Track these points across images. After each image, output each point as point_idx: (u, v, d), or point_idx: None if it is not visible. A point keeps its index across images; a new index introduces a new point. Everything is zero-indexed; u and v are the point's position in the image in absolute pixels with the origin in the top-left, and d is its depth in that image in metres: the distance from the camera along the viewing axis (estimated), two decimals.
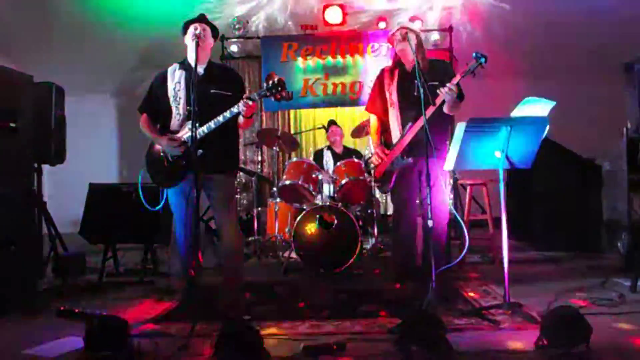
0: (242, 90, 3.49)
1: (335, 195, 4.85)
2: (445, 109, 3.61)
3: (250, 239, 5.87)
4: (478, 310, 3.11)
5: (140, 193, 3.61)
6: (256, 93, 3.33)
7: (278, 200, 5.29)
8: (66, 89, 4.78)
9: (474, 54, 3.33)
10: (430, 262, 3.14)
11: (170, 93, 3.40)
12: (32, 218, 4.04)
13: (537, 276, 4.27)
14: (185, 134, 3.31)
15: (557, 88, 6.92)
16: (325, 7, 7.54)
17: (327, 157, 5.81)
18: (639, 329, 2.79)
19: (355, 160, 4.98)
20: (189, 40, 3.35)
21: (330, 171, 5.19)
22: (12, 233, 3.58)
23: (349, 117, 8.06)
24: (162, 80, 3.46)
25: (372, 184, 3.94)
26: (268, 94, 3.33)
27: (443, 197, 3.70)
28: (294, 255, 4.61)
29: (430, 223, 3.21)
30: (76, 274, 4.40)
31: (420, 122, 3.36)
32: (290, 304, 3.56)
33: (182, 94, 3.37)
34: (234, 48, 7.90)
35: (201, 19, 3.46)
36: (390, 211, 5.77)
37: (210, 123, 3.25)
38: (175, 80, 3.41)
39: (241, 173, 7.13)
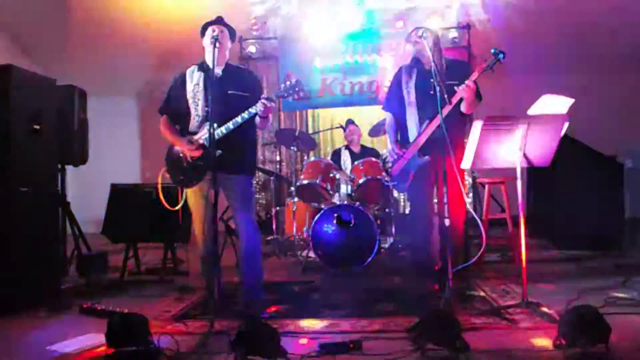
0: (260, 91, 3.53)
1: (353, 194, 4.86)
2: (462, 108, 3.59)
3: (269, 238, 5.93)
4: (496, 309, 3.10)
5: (160, 193, 3.67)
6: (274, 93, 3.37)
7: (296, 199, 5.32)
8: (88, 92, 4.88)
9: (492, 50, 3.33)
10: (447, 261, 3.14)
11: (189, 94, 3.45)
12: (56, 218, 4.13)
13: (557, 275, 4.22)
14: (203, 134, 3.36)
15: (577, 85, 6.84)
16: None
17: (345, 157, 5.82)
18: None
19: (373, 159, 4.98)
20: (207, 43, 3.40)
21: (348, 170, 5.20)
22: (37, 232, 3.68)
23: (367, 116, 8.03)
24: (181, 81, 3.52)
25: (389, 183, 3.93)
26: (286, 94, 3.38)
27: (460, 196, 3.68)
28: (312, 254, 4.63)
29: (447, 222, 3.21)
30: (99, 273, 4.49)
31: (437, 120, 3.36)
32: (309, 302, 3.59)
33: (200, 95, 3.42)
34: (252, 49, 7.96)
35: (219, 21, 3.51)
36: (408, 210, 5.75)
37: (228, 124, 3.30)
38: (194, 81, 3.46)
39: (260, 173, 7.19)
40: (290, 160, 6.83)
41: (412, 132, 3.75)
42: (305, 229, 5.18)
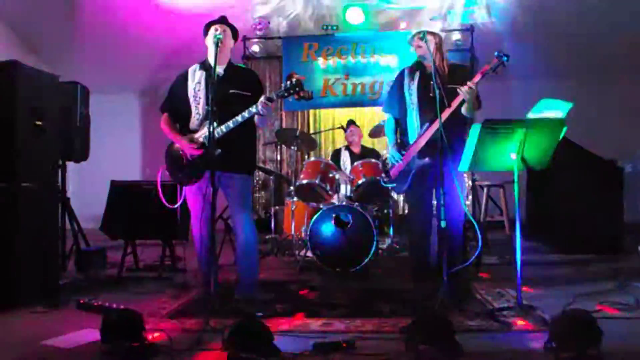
0: (261, 91, 3.54)
1: (352, 195, 4.87)
2: (463, 111, 3.60)
3: (267, 237, 5.95)
4: (490, 312, 3.10)
5: (159, 190, 3.69)
6: (274, 93, 3.39)
7: (295, 199, 5.33)
8: (91, 89, 4.91)
9: (496, 53, 3.36)
10: (444, 262, 3.15)
11: (191, 93, 3.47)
12: (56, 213, 4.15)
13: (555, 279, 4.22)
14: (204, 133, 3.37)
15: (578, 89, 6.86)
16: (347, 7, 7.56)
17: (345, 157, 5.83)
18: None
19: (373, 160, 4.99)
20: (209, 42, 3.43)
21: (348, 171, 5.21)
22: (37, 228, 3.70)
23: (369, 117, 8.07)
24: (183, 80, 3.54)
25: (385, 184, 3.93)
26: (286, 94, 3.38)
27: (458, 199, 3.69)
28: (309, 254, 4.64)
29: (443, 224, 3.22)
30: (97, 269, 4.51)
31: (437, 123, 3.37)
32: (304, 302, 3.60)
33: (202, 94, 3.44)
34: (255, 48, 7.99)
35: (222, 20, 3.53)
36: (406, 211, 5.76)
37: (228, 123, 3.31)
38: (196, 80, 3.48)
39: (260, 172, 7.20)
40: (290, 159, 6.84)
41: (413, 135, 3.76)
42: (303, 228, 5.19)
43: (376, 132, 5.78)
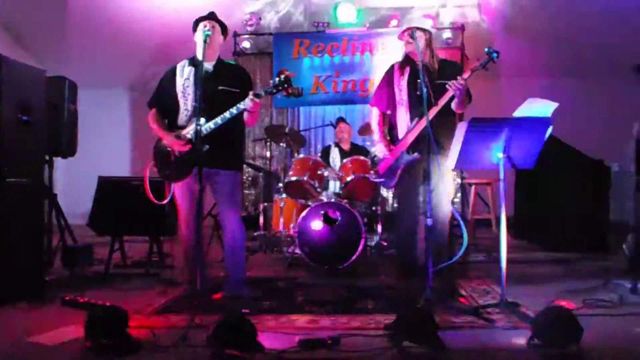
0: (250, 88, 3.53)
1: (341, 192, 4.88)
2: (453, 106, 3.62)
3: (256, 233, 5.94)
4: (475, 309, 3.13)
5: (147, 186, 3.67)
6: (263, 90, 3.38)
7: (284, 196, 5.33)
8: (79, 84, 4.87)
9: (486, 49, 3.38)
10: (429, 259, 3.17)
11: (179, 89, 3.47)
12: (42, 209, 4.12)
13: (540, 277, 4.27)
14: (192, 129, 3.36)
15: (567, 88, 6.89)
16: (338, 4, 7.56)
17: (334, 154, 5.83)
18: (631, 330, 2.80)
19: (362, 157, 5.00)
20: (198, 38, 3.42)
21: (337, 168, 5.21)
22: (23, 223, 3.67)
23: (359, 114, 8.06)
24: (172, 75, 3.54)
25: (375, 179, 3.94)
26: (275, 90, 3.39)
27: (445, 195, 3.71)
28: (298, 251, 4.65)
29: (429, 221, 3.23)
30: (84, 265, 4.48)
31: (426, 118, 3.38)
32: (291, 298, 3.61)
33: (190, 90, 3.43)
34: (246, 44, 7.96)
35: (211, 16, 3.52)
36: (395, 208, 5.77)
37: (216, 119, 3.31)
38: (185, 76, 3.48)
39: (249, 169, 7.19)
40: (280, 156, 6.84)
41: (402, 130, 3.77)
42: (292, 225, 5.19)
43: (365, 129, 5.78)
